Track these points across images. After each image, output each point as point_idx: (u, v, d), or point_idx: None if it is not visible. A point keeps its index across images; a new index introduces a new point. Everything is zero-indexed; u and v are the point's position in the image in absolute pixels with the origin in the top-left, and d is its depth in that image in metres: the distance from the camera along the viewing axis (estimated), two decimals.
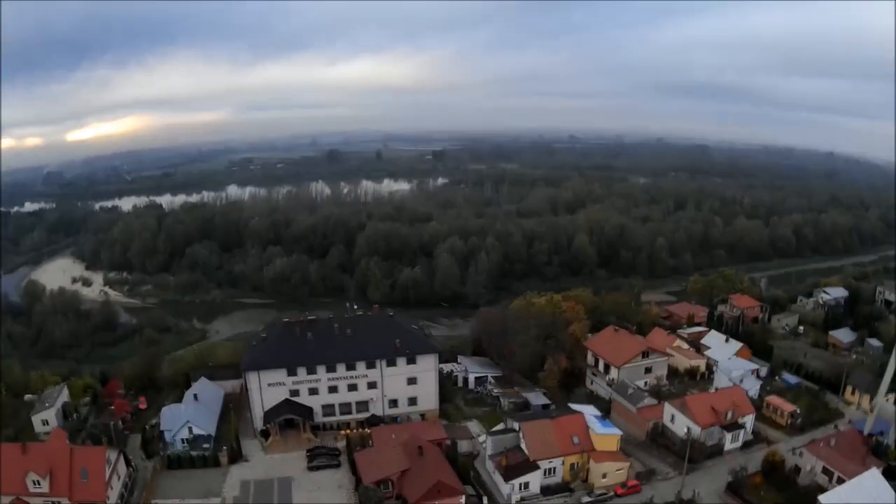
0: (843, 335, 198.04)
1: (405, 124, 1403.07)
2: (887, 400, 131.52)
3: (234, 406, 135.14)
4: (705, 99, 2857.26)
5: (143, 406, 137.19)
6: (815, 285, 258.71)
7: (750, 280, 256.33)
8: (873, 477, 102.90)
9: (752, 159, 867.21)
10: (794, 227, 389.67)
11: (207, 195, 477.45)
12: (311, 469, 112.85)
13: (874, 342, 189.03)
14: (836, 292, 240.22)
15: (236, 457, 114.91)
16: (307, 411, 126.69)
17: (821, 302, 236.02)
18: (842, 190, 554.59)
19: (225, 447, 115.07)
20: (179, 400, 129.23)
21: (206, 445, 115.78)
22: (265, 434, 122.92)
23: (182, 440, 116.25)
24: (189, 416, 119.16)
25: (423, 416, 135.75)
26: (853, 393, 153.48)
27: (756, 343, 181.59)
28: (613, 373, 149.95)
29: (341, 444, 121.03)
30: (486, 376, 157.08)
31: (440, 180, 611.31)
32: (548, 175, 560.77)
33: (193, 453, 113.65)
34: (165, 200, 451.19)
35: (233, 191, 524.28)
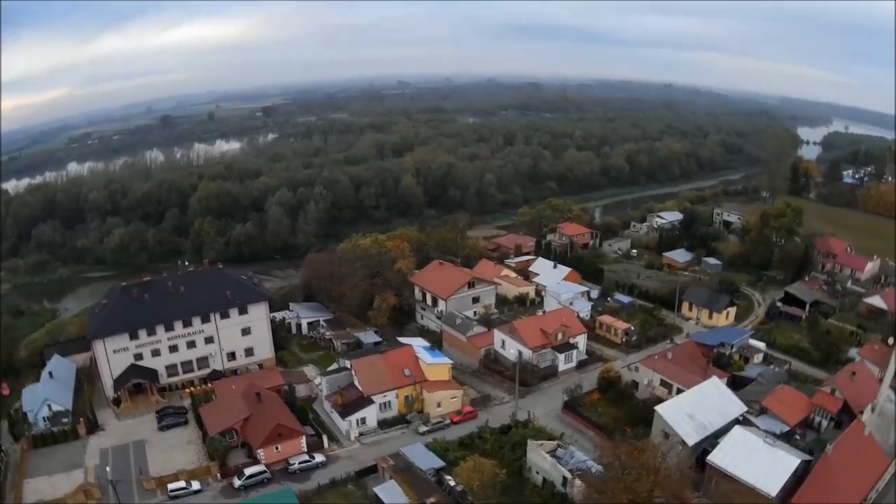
0: (679, 255, 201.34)
1: (238, 83, 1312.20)
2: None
3: (87, 378, 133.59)
4: (548, 40, 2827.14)
5: (6, 392, 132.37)
6: (650, 210, 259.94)
7: (583, 209, 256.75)
8: (715, 385, 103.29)
9: (585, 94, 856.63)
10: (628, 155, 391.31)
11: (49, 175, 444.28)
12: (161, 429, 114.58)
13: (712, 261, 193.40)
14: (671, 216, 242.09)
15: (93, 427, 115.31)
16: (152, 374, 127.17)
17: (655, 226, 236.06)
18: (678, 119, 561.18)
19: (82, 419, 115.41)
20: (37, 380, 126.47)
21: (65, 420, 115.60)
22: (117, 401, 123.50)
23: (44, 418, 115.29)
24: (47, 395, 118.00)
25: (260, 365, 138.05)
26: (690, 308, 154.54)
27: (586, 267, 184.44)
28: (441, 305, 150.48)
29: (187, 402, 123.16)
30: (318, 320, 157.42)
31: (270, 136, 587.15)
32: (376, 122, 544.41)
33: (55, 429, 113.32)
34: (11, 185, 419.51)
35: (73, 167, 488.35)
